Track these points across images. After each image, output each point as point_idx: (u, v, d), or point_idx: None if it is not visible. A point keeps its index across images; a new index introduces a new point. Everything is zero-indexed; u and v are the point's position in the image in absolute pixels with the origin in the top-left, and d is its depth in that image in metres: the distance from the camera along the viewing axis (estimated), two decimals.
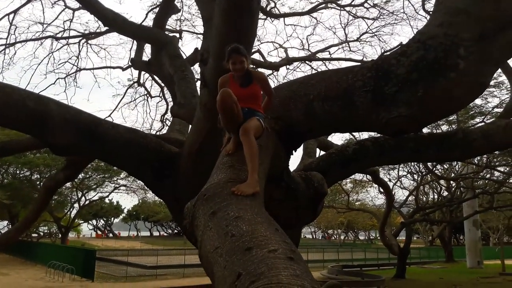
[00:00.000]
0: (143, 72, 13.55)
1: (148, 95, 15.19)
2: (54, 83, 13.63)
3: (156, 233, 73.02)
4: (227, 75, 3.08)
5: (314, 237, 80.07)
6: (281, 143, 3.46)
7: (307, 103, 3.35)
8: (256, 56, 14.82)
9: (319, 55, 14.89)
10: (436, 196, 29.44)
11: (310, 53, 15.02)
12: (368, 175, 16.93)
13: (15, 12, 11.30)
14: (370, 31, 14.55)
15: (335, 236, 70.75)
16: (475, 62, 2.79)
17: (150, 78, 14.03)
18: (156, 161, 6.28)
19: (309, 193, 4.64)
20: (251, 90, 2.96)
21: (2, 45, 11.99)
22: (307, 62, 14.88)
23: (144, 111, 25.59)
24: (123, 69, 13.88)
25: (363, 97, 3.03)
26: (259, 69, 14.89)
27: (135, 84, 14.52)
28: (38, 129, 5.59)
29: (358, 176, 24.05)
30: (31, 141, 7.94)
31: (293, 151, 3.76)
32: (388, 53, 3.24)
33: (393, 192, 22.46)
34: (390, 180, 24.57)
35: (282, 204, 4.31)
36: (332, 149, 8.53)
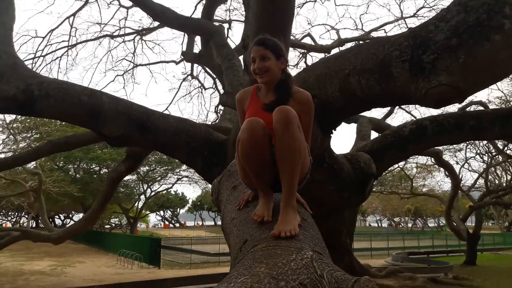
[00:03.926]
0: (196, 65, 13.83)
1: (202, 87, 15.51)
2: (113, 80, 14.32)
3: (220, 222, 74.88)
4: (248, 88, 2.16)
5: (380, 225, 78.03)
6: (316, 122, 3.35)
7: (343, 78, 3.22)
8: (307, 40, 14.60)
9: (374, 34, 14.34)
10: (509, 178, 27.43)
11: (363, 32, 14.51)
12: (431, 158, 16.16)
13: (74, 15, 11.98)
14: (427, 5, 13.74)
15: (402, 224, 68.40)
16: None
17: (203, 70, 14.29)
18: (206, 149, 6.40)
19: (355, 174, 4.49)
20: None
21: (64, 47, 12.78)
22: (361, 42, 14.38)
23: (199, 103, 26.25)
24: (177, 63, 14.26)
25: (400, 67, 2.85)
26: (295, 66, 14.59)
27: (189, 77, 14.87)
28: (93, 122, 5.87)
29: (422, 159, 23.08)
30: (91, 135, 8.41)
31: (332, 131, 3.64)
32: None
33: (460, 176, 21.28)
34: (457, 163, 23.31)
35: (325, 186, 4.21)
36: (387, 130, 8.22)
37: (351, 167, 4.45)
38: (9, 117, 19.89)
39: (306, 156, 1.87)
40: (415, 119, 8.55)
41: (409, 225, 66.38)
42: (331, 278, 1.07)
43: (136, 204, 39.98)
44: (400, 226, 68.99)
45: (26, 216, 39.78)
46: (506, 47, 2.53)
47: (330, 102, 3.31)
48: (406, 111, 16.44)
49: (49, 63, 13.11)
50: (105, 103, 5.83)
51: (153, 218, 72.37)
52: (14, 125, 22.34)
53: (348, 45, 14.63)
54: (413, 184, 26.81)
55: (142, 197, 38.35)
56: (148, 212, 54.44)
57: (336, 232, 7.16)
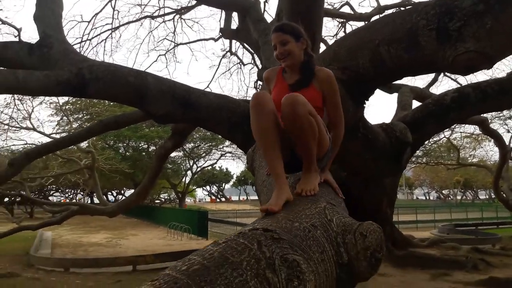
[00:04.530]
0: (234, 41, 13.99)
1: (241, 63, 15.69)
2: (156, 60, 14.83)
3: None
4: (275, 68, 2.23)
5: (428, 198, 76.29)
6: (348, 94, 3.47)
7: (373, 48, 3.30)
8: (345, 9, 14.34)
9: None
10: None
11: None
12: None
13: None
14: None
15: (451, 197, 66.47)
16: None
17: (241, 46, 14.44)
18: (246, 124, 6.63)
19: (391, 143, 4.58)
20: (305, 96, 1.78)
21: (108, 30, 13.30)
22: (401, 8, 13.94)
23: (239, 79, 26.40)
24: (215, 40, 14.48)
25: (427, 36, 2.92)
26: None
27: (228, 53, 15.08)
28: (140, 101, 6.21)
29: (470, 128, 22.29)
30: (138, 114, 8.86)
31: (364, 101, 3.74)
32: None
33: None
34: (508, 131, 22.38)
35: (361, 156, 4.34)
36: (428, 99, 8.10)
37: (386, 137, 4.53)
38: (62, 100, 21.02)
39: (323, 134, 1.89)
40: (457, 87, 8.35)
41: (458, 197, 64.45)
42: (339, 222, 1.27)
43: (184, 179, 41.40)
44: (449, 198, 67.14)
45: (82, 193, 42.25)
46: None
47: (361, 73, 3.41)
48: (452, 79, 15.87)
49: (95, 46, 13.73)
50: (150, 83, 6.15)
51: (200, 193, 74.69)
52: (67, 107, 23.63)
53: (389, 11, 14.22)
54: (463, 155, 25.96)
55: (189, 173, 39.68)
56: (195, 187, 56.14)
57: (377, 201, 7.26)
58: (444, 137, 22.66)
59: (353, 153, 4.16)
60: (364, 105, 3.85)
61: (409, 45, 3.04)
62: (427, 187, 70.41)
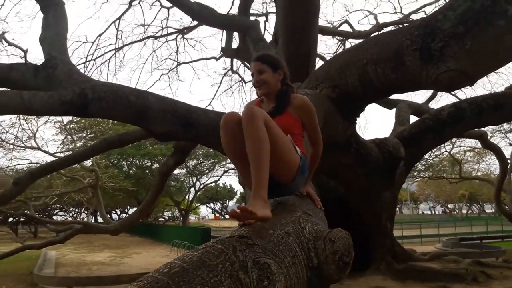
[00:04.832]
0: (235, 60, 14.24)
1: (242, 81, 15.91)
2: (159, 79, 15.08)
3: None
4: (254, 100, 2.34)
5: (433, 212, 75.70)
6: (338, 111, 3.61)
7: (361, 68, 3.46)
8: (345, 27, 14.60)
9: (413, 17, 14.10)
10: None
11: (402, 15, 14.31)
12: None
13: (119, 18, 12.74)
14: None
15: (457, 211, 65.88)
16: None
17: (242, 64, 14.69)
18: None
19: (383, 158, 4.70)
20: (280, 122, 1.86)
21: (112, 50, 13.58)
22: (400, 26, 14.18)
23: (240, 97, 26.65)
24: (217, 59, 14.74)
25: (412, 55, 3.07)
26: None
27: (229, 71, 15.33)
28: (141, 120, 6.37)
29: (471, 142, 22.32)
30: (141, 132, 9.03)
31: (355, 118, 3.88)
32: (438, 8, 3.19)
33: None
34: (510, 144, 22.39)
35: (354, 170, 4.45)
36: (425, 114, 8.23)
37: (379, 152, 4.65)
38: (66, 119, 21.30)
39: (289, 150, 1.86)
40: (454, 102, 8.48)
41: (464, 211, 63.90)
42: (311, 230, 1.39)
43: (187, 196, 41.39)
44: (455, 212, 66.56)
45: (86, 212, 42.25)
46: (509, 31, 2.69)
47: (350, 92, 3.56)
48: (452, 94, 16.02)
49: (99, 66, 13.97)
50: (151, 102, 6.30)
51: (204, 210, 74.45)
52: (71, 125, 23.92)
53: (387, 29, 14.46)
54: (467, 168, 25.88)
55: (192, 190, 39.70)
56: (198, 204, 56.03)
57: (375, 215, 7.33)
58: (445, 151, 22.71)
59: (346, 168, 4.27)
60: (355, 121, 3.98)
61: (395, 65, 3.19)
62: (432, 202, 69.91)
